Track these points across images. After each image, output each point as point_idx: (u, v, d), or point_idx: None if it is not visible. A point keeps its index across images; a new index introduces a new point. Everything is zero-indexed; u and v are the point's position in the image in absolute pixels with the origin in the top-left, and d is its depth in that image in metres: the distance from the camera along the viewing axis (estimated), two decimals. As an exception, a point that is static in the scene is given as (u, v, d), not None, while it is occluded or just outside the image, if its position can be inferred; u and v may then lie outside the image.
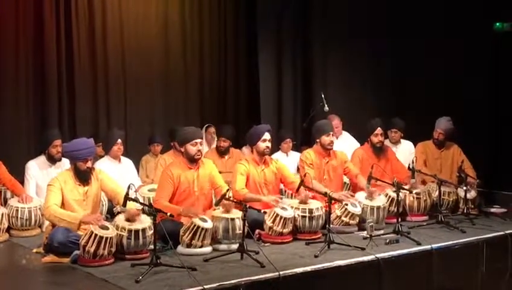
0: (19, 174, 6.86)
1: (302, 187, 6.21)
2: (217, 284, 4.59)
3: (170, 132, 8.09)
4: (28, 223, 6.33)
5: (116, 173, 6.93)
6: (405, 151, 8.24)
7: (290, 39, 10.14)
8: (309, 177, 6.34)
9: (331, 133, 6.97)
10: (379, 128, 7.40)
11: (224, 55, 10.16)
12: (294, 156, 8.32)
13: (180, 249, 5.49)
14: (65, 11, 8.57)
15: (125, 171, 7.37)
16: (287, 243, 5.91)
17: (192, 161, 6.04)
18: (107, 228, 5.18)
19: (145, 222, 5.35)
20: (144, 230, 5.28)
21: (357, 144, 8.24)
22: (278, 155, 8.27)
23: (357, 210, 6.41)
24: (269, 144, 6.56)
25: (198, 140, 6.04)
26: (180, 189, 5.97)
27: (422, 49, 9.61)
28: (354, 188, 7.21)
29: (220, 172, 6.50)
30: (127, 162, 7.57)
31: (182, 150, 6.10)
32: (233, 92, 10.25)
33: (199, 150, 6.03)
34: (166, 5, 9.58)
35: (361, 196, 6.65)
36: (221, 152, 8.13)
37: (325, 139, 6.92)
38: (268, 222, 5.93)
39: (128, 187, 5.21)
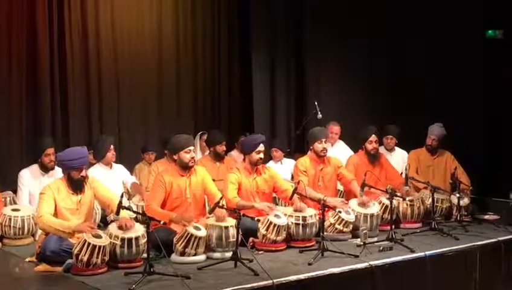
0: (12, 184, 6.84)
1: (295, 195, 6.21)
2: (211, 292, 4.59)
3: (164, 141, 8.07)
4: (20, 232, 6.30)
5: (108, 179, 6.90)
6: (398, 160, 8.27)
7: (283, 45, 10.14)
8: (302, 184, 6.35)
9: (324, 140, 6.98)
10: (373, 135, 7.40)
11: (217, 62, 10.18)
12: (289, 164, 8.30)
13: (174, 257, 5.48)
14: (58, 18, 8.56)
15: (117, 177, 7.35)
16: (280, 251, 5.90)
17: (186, 168, 6.04)
18: (100, 237, 5.16)
19: (138, 230, 5.34)
20: (137, 238, 5.27)
21: (350, 153, 8.23)
22: (270, 164, 8.23)
23: (351, 217, 6.41)
24: (262, 156, 6.58)
25: (191, 147, 6.07)
26: (172, 196, 5.96)
27: (422, 52, 9.67)
28: (348, 195, 7.20)
29: (214, 180, 6.48)
30: (119, 168, 7.53)
31: (175, 157, 6.10)
32: (226, 99, 10.27)
33: (193, 157, 6.05)
34: (159, 12, 9.60)
35: (354, 203, 6.66)
36: (221, 157, 7.99)
37: (318, 146, 6.93)
38: (262, 230, 5.92)
39: (122, 195, 5.21)
